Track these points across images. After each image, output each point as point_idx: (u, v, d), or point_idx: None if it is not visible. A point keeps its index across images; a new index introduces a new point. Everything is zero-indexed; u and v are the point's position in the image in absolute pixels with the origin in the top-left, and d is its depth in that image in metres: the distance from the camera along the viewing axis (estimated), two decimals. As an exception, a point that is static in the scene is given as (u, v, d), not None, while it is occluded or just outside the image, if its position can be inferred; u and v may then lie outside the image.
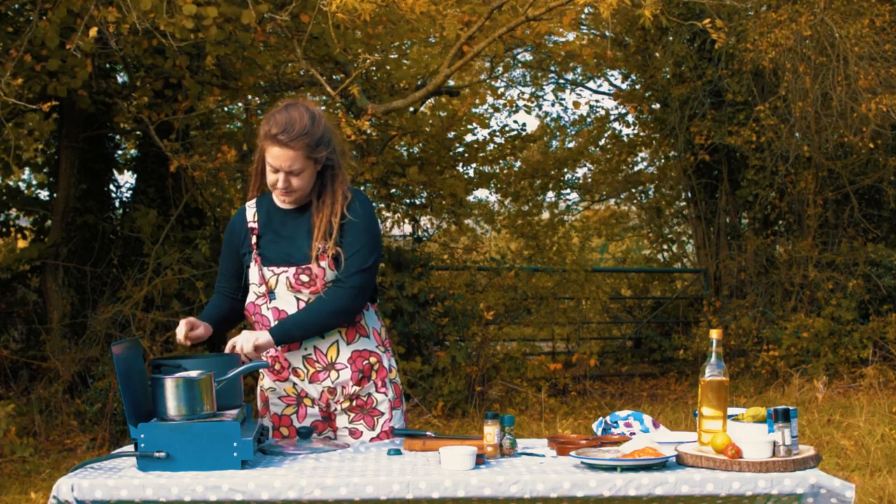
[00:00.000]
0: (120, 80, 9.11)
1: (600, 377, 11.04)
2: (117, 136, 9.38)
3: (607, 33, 11.93)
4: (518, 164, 13.00)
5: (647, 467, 2.53)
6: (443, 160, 10.44)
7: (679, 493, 2.45)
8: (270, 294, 3.04)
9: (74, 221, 8.51)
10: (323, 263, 2.98)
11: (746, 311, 10.58)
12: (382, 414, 3.11)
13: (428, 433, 2.93)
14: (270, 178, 3.00)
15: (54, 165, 8.92)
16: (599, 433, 2.99)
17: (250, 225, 3.12)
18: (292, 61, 8.76)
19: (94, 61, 7.40)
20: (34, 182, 10.22)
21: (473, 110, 11.05)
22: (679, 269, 14.13)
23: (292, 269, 3.00)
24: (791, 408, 2.58)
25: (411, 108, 9.24)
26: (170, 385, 2.61)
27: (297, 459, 2.73)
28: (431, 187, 10.08)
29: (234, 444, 2.57)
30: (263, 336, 2.94)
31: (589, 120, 14.13)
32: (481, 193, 27.26)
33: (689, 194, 12.45)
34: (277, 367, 3.08)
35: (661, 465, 2.56)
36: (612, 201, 15.06)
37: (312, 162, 2.98)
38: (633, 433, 2.96)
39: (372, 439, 3.08)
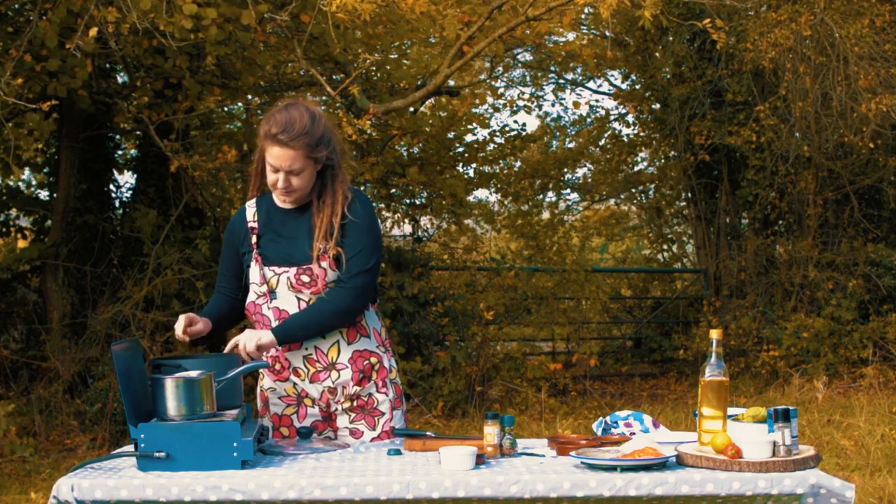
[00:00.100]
0: (120, 80, 9.11)
1: (600, 377, 11.04)
2: (117, 136, 9.37)
3: (607, 33, 11.91)
4: (518, 164, 12.98)
5: (647, 467, 2.53)
6: (443, 160, 10.43)
7: (679, 494, 2.45)
8: (271, 294, 3.04)
9: (74, 221, 8.51)
10: (324, 264, 2.98)
11: (746, 311, 10.57)
12: (383, 414, 3.11)
13: (428, 433, 2.93)
14: (270, 177, 3.00)
15: (54, 165, 8.92)
16: (599, 433, 2.99)
17: (250, 225, 3.12)
18: (292, 61, 8.75)
19: (94, 61, 7.40)
20: (34, 182, 10.22)
21: (473, 110, 11.04)
22: (679, 269, 14.12)
23: (293, 270, 3.00)
24: (791, 408, 2.58)
25: (411, 108, 9.24)
26: (170, 385, 2.61)
27: (297, 459, 2.73)
28: (431, 187, 10.08)
29: (234, 444, 2.57)
30: (266, 335, 2.94)
31: (589, 120, 14.13)
32: (481, 193, 27.25)
33: (689, 194, 12.44)
34: (278, 367, 3.08)
35: (661, 465, 2.56)
36: (612, 201, 15.06)
37: (312, 161, 2.98)
38: (633, 433, 2.96)
39: (373, 439, 3.08)
